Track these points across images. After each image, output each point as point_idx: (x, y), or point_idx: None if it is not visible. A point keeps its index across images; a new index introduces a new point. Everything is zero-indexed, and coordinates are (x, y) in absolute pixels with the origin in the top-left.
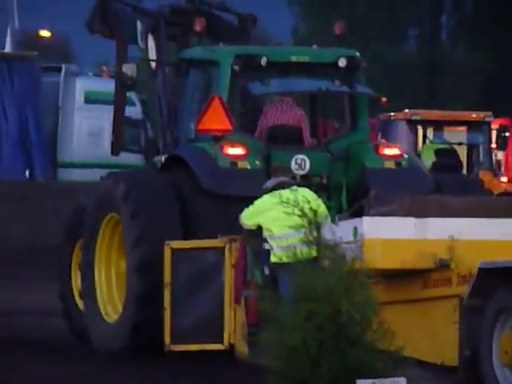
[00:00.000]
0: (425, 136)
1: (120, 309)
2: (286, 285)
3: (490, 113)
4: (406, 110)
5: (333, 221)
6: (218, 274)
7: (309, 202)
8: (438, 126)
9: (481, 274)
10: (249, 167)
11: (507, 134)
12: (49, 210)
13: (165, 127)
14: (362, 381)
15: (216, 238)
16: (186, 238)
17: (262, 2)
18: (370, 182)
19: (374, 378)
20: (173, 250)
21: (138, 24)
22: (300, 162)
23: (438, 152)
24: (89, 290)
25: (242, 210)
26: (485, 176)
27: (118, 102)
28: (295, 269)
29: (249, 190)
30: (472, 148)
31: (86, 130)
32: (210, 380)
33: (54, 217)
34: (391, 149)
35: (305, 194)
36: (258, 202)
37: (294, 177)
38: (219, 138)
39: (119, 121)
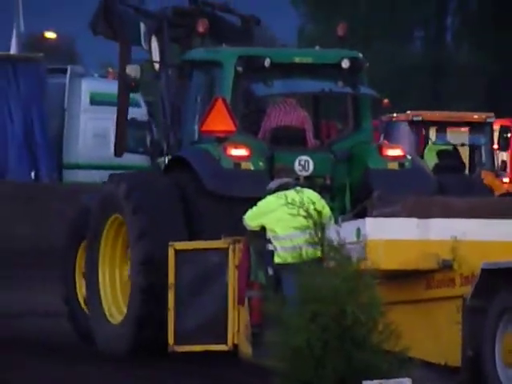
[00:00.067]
0: (427, 137)
1: (124, 310)
2: (289, 286)
3: (492, 114)
4: (408, 112)
5: (336, 222)
6: (221, 274)
7: (314, 203)
8: (440, 127)
9: (484, 275)
10: (252, 168)
11: (509, 135)
12: (54, 212)
13: (168, 129)
14: (368, 382)
15: (220, 239)
16: (189, 239)
17: (268, 2)
18: (373, 183)
19: (380, 379)
20: (176, 251)
21: (142, 25)
22: (303, 163)
23: (440, 153)
24: (93, 292)
25: (245, 211)
26: (487, 177)
27: (121, 104)
28: (300, 269)
29: (252, 191)
30: (474, 149)
31: (92, 131)
32: (214, 381)
33: (60, 218)
34: (394, 150)
35: (310, 195)
36: (261, 203)
37: (297, 178)
38: (223, 140)
39: (122, 122)
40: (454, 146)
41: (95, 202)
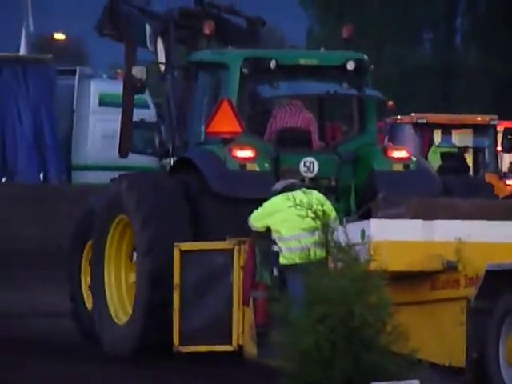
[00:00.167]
0: (431, 140)
1: (130, 310)
2: (295, 287)
3: (496, 116)
4: (413, 114)
5: (341, 223)
6: (226, 275)
7: (322, 204)
8: (444, 129)
9: (488, 276)
10: (258, 170)
11: None
12: (63, 213)
13: (174, 130)
14: (377, 383)
15: (225, 239)
16: (195, 240)
17: (278, 3)
18: (378, 185)
19: (388, 380)
20: (182, 252)
21: (147, 27)
22: (309, 165)
23: (444, 155)
24: (99, 292)
25: (250, 213)
26: (490, 179)
27: (126, 105)
28: (307, 270)
29: (258, 193)
30: (478, 151)
31: (101, 132)
32: (219, 381)
33: (68, 219)
34: (399, 151)
35: (317, 196)
36: (266, 204)
37: (302, 179)
38: (228, 141)
39: (126, 123)
40: (459, 149)
41: (101, 202)
